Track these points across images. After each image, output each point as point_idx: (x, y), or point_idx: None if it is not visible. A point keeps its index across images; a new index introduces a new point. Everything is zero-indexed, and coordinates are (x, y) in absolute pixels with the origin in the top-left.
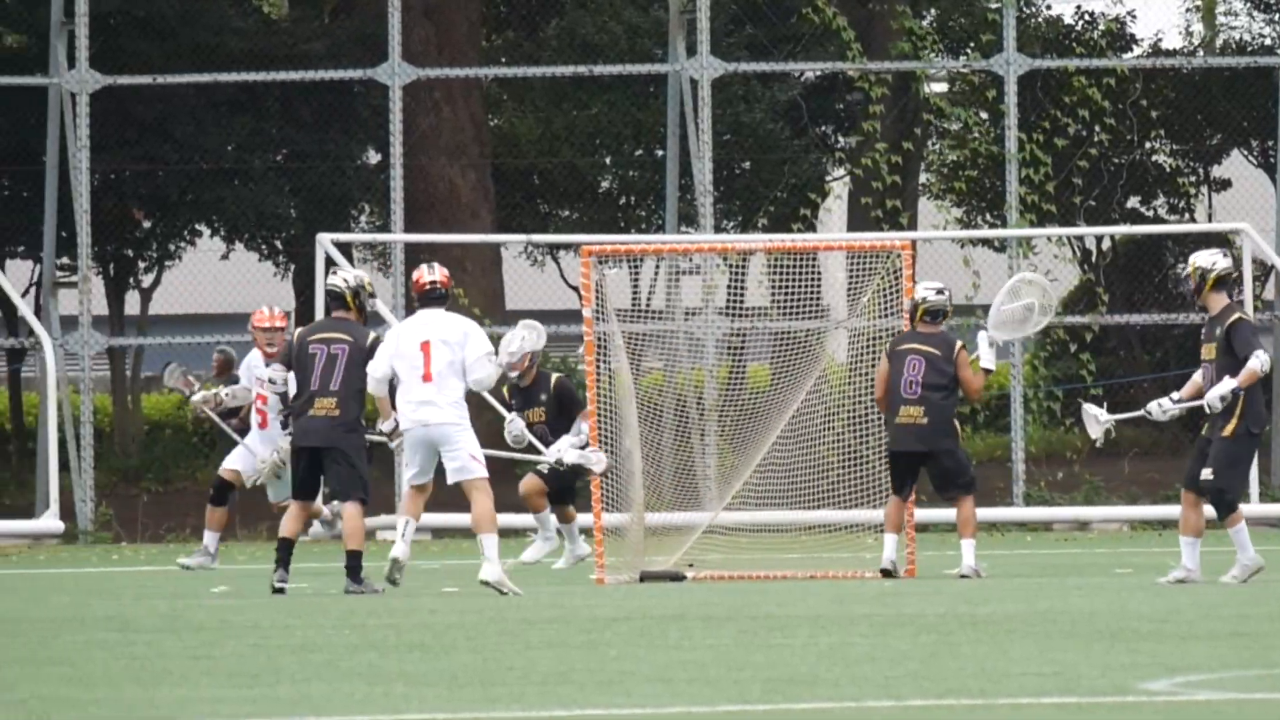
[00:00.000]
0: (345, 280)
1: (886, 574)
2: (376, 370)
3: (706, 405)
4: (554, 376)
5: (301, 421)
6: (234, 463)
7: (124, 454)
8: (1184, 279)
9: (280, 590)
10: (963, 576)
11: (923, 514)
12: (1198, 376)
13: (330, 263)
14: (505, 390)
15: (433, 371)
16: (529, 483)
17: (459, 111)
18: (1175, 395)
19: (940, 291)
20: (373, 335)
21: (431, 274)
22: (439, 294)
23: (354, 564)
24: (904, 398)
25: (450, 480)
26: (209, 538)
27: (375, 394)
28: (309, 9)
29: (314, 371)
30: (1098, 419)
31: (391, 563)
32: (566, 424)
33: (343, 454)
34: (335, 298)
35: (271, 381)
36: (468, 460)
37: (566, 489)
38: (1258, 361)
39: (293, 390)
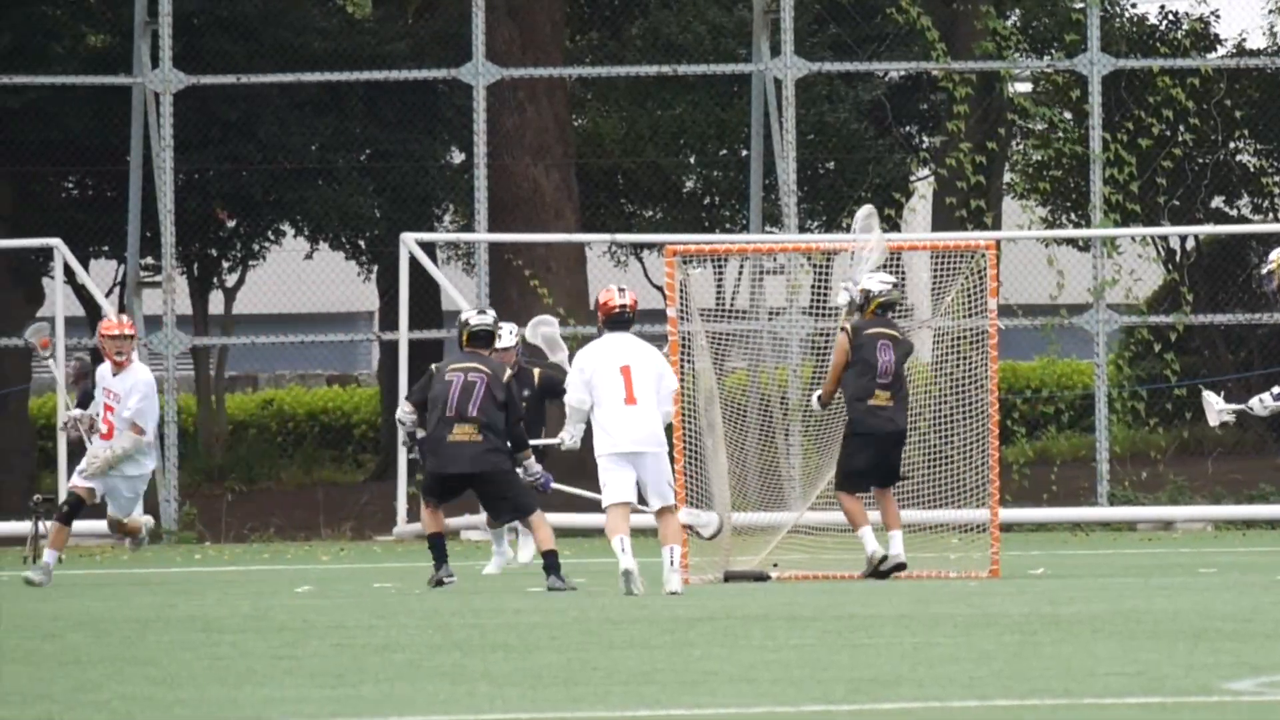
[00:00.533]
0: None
1: (883, 573)
2: (576, 400)
3: (790, 405)
4: (536, 371)
5: (445, 448)
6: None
7: (208, 454)
8: (1265, 277)
9: (444, 583)
10: (896, 568)
11: (1007, 514)
12: None
13: (414, 262)
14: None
15: (636, 395)
16: None
17: (543, 111)
18: (1276, 390)
19: (895, 286)
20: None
21: (622, 298)
22: (628, 318)
23: (552, 562)
24: (879, 383)
25: (653, 505)
26: (50, 556)
27: (575, 423)
28: (393, 9)
29: (451, 398)
30: (1214, 407)
31: (625, 575)
32: (544, 417)
33: (496, 477)
34: (484, 337)
35: (402, 423)
36: (666, 489)
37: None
38: None
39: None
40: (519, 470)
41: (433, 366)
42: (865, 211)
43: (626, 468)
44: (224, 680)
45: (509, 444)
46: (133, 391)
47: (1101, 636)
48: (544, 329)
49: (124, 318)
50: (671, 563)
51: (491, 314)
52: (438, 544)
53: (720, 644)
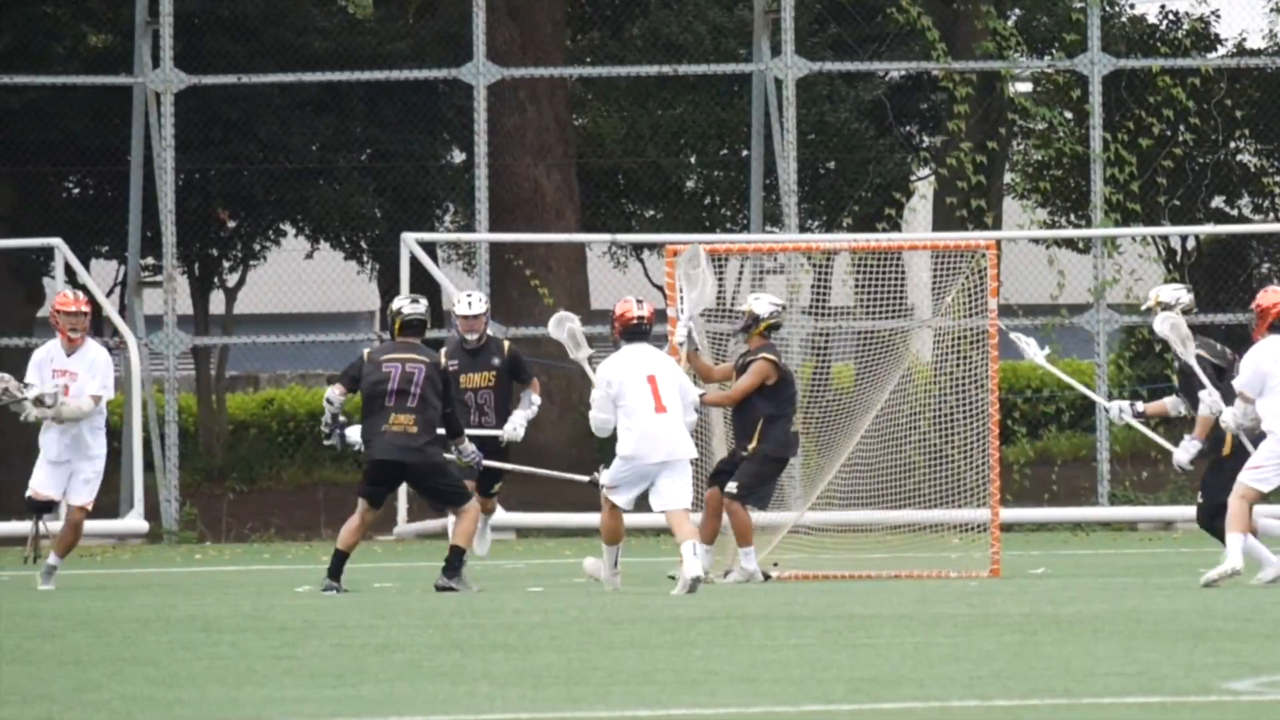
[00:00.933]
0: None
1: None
2: (601, 420)
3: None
4: (505, 342)
5: (380, 437)
6: (42, 485)
7: (209, 454)
8: (1148, 312)
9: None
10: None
11: (1007, 514)
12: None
13: (414, 262)
14: (447, 353)
15: (666, 404)
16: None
17: (543, 111)
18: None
19: (784, 308)
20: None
21: (640, 310)
22: (645, 329)
23: (455, 561)
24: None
25: (672, 506)
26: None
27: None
28: (393, 9)
29: (390, 388)
30: (1117, 412)
31: (691, 582)
32: (510, 392)
33: (425, 469)
34: (417, 326)
35: (330, 402)
36: (685, 492)
37: (491, 479)
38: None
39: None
40: (454, 452)
41: (364, 351)
42: (690, 253)
43: (642, 482)
44: (224, 680)
45: (445, 430)
46: (96, 366)
47: (1102, 636)
48: (569, 325)
49: (79, 294)
50: (695, 553)
51: (424, 303)
52: (343, 558)
53: (720, 644)
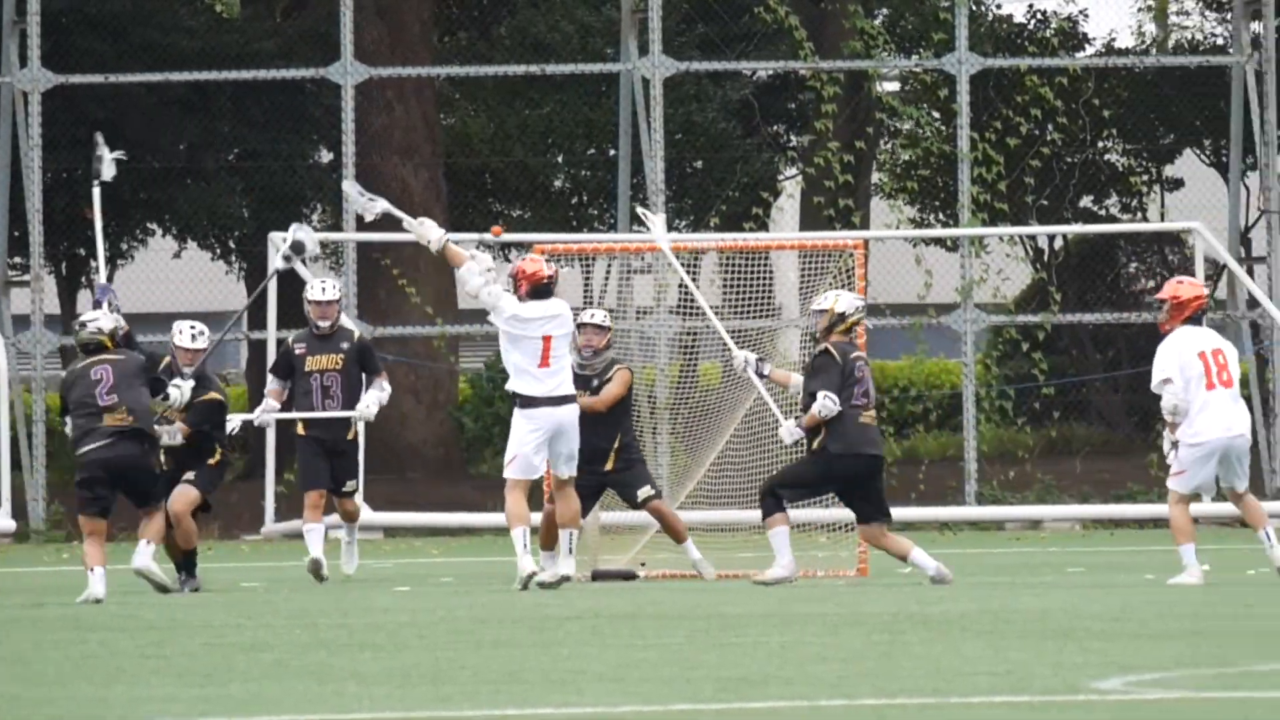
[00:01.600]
0: (100, 328)
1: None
2: (494, 294)
3: (659, 404)
4: (357, 333)
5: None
6: None
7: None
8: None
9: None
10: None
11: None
12: None
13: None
14: (294, 338)
15: (551, 360)
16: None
17: (411, 110)
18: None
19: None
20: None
21: (548, 269)
22: (551, 288)
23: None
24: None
25: (563, 474)
26: None
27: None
28: (261, 8)
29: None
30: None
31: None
32: (359, 381)
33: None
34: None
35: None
36: (574, 460)
37: (343, 477)
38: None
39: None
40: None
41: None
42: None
43: (544, 447)
44: (92, 679)
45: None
46: None
47: (969, 636)
48: (356, 189)
49: None
50: (570, 550)
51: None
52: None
53: (588, 643)
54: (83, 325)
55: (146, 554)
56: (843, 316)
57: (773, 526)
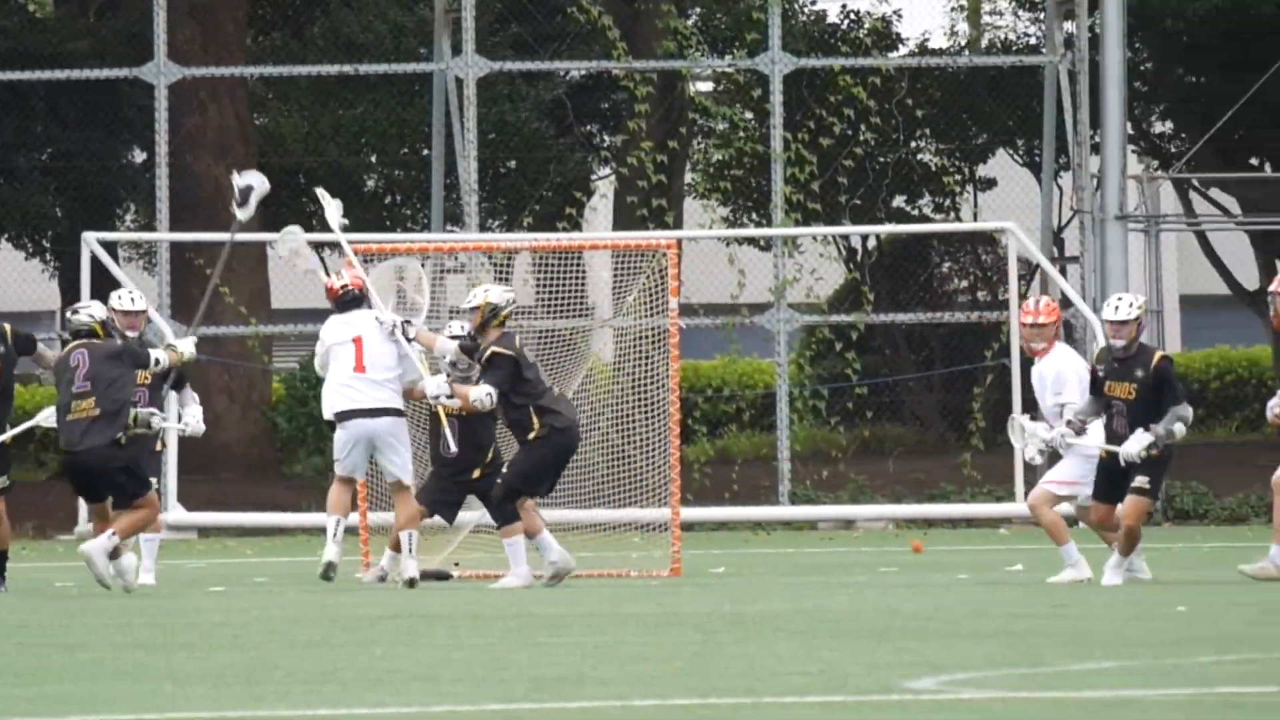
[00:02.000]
0: (91, 315)
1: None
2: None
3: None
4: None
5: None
6: None
7: None
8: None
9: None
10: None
11: (688, 513)
12: None
13: (95, 262)
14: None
15: (366, 364)
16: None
17: (224, 110)
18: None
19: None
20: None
21: (340, 280)
22: (353, 296)
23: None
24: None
25: (389, 478)
26: None
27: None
28: (74, 7)
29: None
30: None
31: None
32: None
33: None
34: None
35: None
36: (402, 464)
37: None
38: None
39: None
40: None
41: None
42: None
43: (359, 444)
44: None
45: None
46: None
47: (783, 635)
48: (290, 242)
49: None
50: (410, 550)
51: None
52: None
53: (403, 642)
54: (75, 311)
55: (102, 542)
56: (496, 310)
57: (509, 535)
